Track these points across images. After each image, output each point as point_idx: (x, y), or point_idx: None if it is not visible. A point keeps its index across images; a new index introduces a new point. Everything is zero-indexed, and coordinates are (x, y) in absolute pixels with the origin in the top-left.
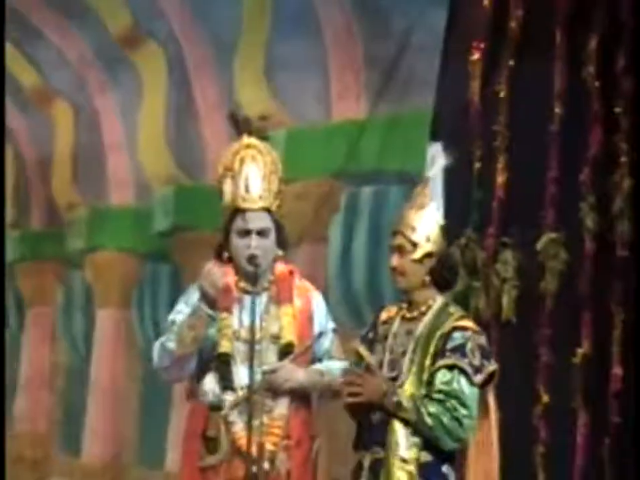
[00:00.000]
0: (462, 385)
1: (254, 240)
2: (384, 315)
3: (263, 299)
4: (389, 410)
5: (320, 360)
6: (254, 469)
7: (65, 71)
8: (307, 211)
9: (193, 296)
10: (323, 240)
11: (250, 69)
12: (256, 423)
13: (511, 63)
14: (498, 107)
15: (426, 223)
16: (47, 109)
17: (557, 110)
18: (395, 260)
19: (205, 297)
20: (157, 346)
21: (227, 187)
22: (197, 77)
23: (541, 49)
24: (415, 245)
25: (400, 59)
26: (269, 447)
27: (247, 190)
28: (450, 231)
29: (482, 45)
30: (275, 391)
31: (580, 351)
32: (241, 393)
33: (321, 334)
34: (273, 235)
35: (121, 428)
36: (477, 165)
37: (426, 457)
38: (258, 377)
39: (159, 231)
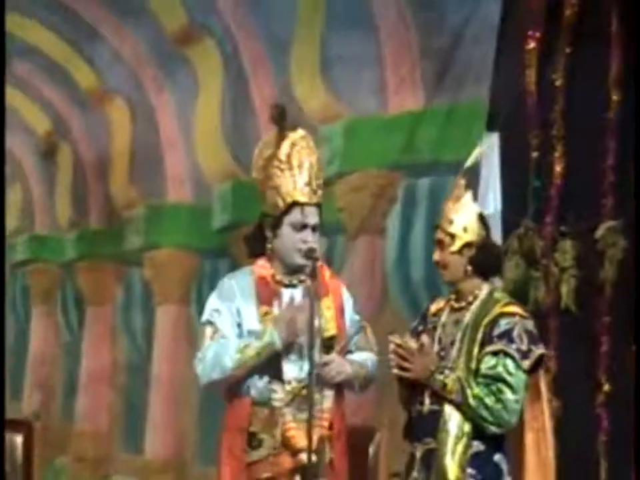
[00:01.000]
0: (508, 368)
1: (310, 235)
2: (433, 307)
3: (299, 292)
4: (435, 390)
5: (350, 352)
6: (307, 462)
7: (120, 69)
8: (365, 202)
9: (227, 293)
10: (381, 231)
11: (305, 63)
12: (303, 416)
13: (567, 50)
14: (554, 95)
15: (462, 214)
16: (104, 107)
17: (614, 97)
18: (436, 254)
19: (284, 340)
20: (202, 358)
21: (283, 179)
22: (252, 72)
23: (597, 35)
24: (452, 237)
25: (455, 51)
26: (317, 440)
27: (306, 184)
28: (508, 220)
29: (537, 34)
30: (325, 384)
31: None
32: (289, 386)
33: (360, 327)
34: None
35: (183, 425)
36: (534, 154)
37: (478, 446)
38: (305, 369)
39: (218, 227)
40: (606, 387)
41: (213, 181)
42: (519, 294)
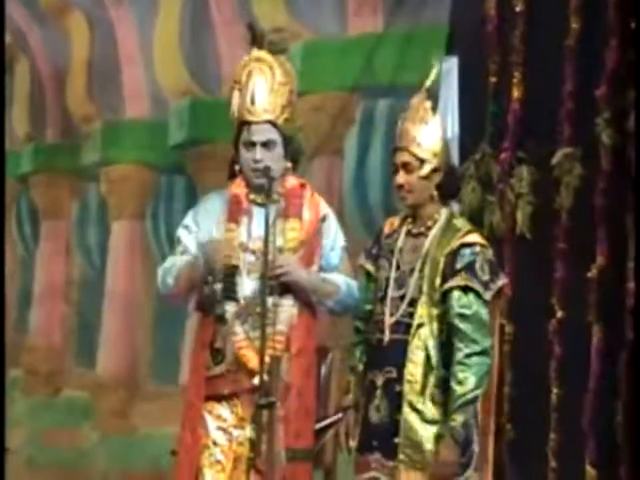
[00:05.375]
0: (480, 309)
1: (258, 152)
2: (387, 229)
3: (271, 211)
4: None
5: (323, 270)
6: (256, 380)
7: None
8: (323, 123)
9: (202, 214)
10: (338, 152)
11: None
12: (256, 334)
13: None
14: (514, 20)
15: (431, 138)
16: (62, 21)
17: (574, 25)
18: (401, 177)
19: (207, 264)
20: (160, 272)
21: (235, 99)
22: None
23: None
24: (422, 161)
25: None
26: (268, 358)
27: (252, 103)
28: (465, 145)
29: None
30: (274, 290)
31: (595, 266)
32: (243, 302)
33: (330, 249)
34: (279, 148)
35: (136, 340)
36: (493, 79)
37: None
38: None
39: (174, 143)
40: (559, 314)
41: (171, 98)
42: (474, 218)
